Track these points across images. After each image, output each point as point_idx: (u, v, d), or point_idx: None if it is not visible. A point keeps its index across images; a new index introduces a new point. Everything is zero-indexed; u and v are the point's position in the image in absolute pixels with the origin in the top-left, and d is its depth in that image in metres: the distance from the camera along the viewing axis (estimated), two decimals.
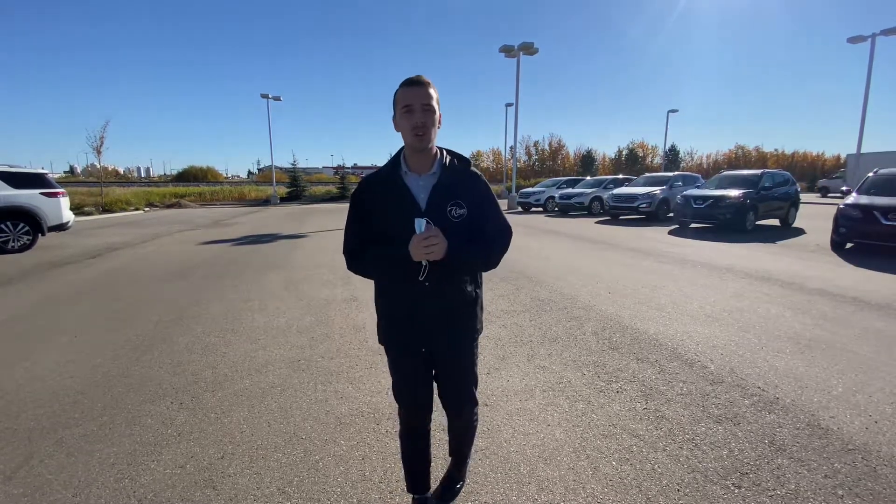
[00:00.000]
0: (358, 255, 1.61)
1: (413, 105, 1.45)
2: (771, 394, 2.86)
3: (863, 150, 23.17)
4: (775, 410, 2.66)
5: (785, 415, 2.61)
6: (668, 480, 2.06)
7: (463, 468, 2.05)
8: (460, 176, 1.58)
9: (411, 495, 1.87)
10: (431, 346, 1.66)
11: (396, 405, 1.78)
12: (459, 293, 1.62)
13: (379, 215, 1.58)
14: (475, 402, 1.80)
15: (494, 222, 1.62)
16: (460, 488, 2.01)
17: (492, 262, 1.63)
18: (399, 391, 1.74)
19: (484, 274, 1.78)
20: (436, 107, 1.49)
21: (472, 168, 1.64)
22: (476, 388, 1.78)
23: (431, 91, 1.47)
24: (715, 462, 2.19)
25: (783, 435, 2.40)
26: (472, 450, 2.16)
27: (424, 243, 1.42)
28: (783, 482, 2.04)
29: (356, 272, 1.65)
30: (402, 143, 1.60)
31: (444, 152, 1.62)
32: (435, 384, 1.77)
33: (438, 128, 1.54)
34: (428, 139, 1.49)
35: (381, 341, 1.72)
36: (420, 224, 1.45)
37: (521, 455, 2.28)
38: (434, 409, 1.79)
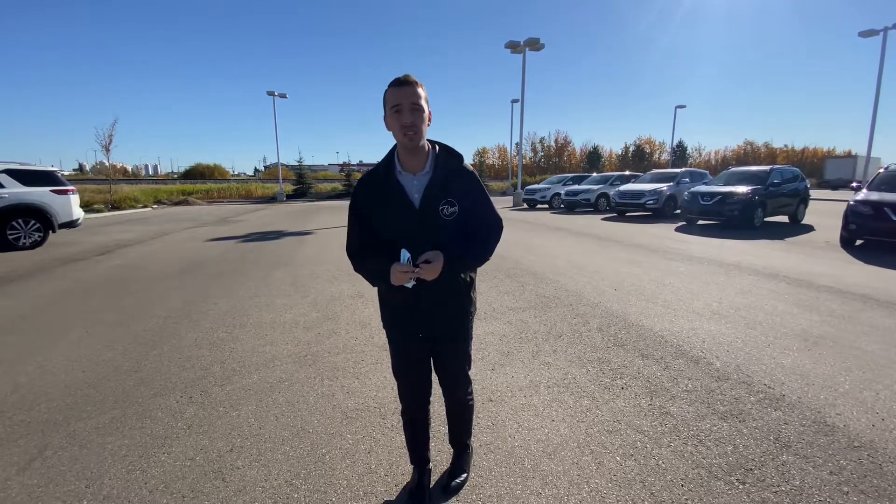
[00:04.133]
0: (359, 261, 1.70)
1: (402, 105, 1.48)
2: (777, 391, 2.85)
3: (873, 149, 22.87)
4: (781, 407, 2.65)
5: (791, 412, 2.60)
6: (672, 476, 2.07)
7: (465, 460, 2.09)
8: (453, 173, 1.62)
9: (412, 466, 2.02)
10: (428, 330, 1.75)
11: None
12: (454, 283, 1.70)
13: (376, 215, 1.65)
14: (468, 381, 1.94)
15: (487, 218, 1.70)
16: (464, 481, 2.03)
17: (486, 258, 1.70)
18: (399, 372, 1.87)
19: (488, 271, 1.89)
20: (424, 105, 1.52)
21: (465, 164, 1.67)
22: (469, 367, 1.92)
23: (420, 90, 1.50)
24: (719, 458, 2.19)
25: (789, 432, 2.40)
26: (474, 442, 2.20)
27: (412, 275, 1.51)
28: (788, 478, 2.04)
29: (358, 272, 1.72)
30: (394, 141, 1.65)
31: (437, 147, 1.65)
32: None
33: (428, 125, 1.57)
34: (418, 138, 1.53)
35: (383, 326, 1.84)
36: (404, 255, 1.53)
37: (526, 450, 2.29)
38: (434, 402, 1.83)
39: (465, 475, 2.06)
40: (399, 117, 1.49)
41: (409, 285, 1.58)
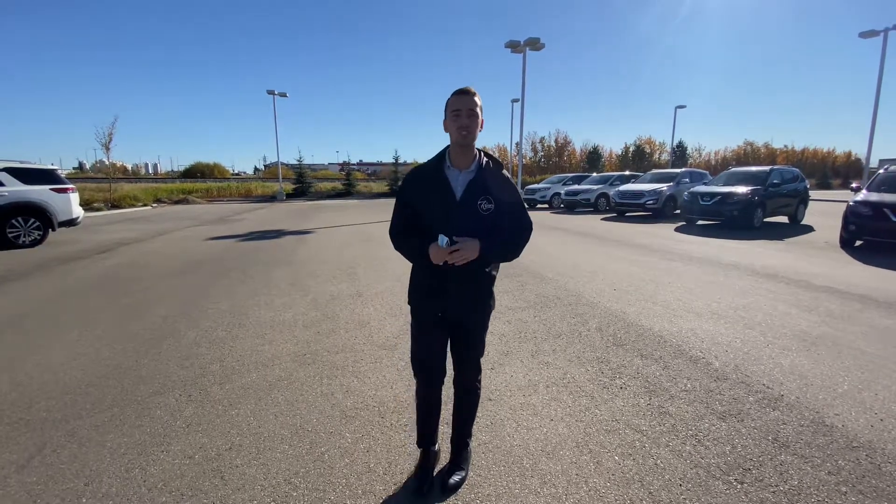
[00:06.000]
0: (401, 240, 1.89)
1: (461, 110, 1.73)
2: (775, 391, 2.85)
3: (874, 150, 22.87)
4: (780, 407, 2.65)
5: (789, 412, 2.60)
6: (670, 475, 2.07)
7: (464, 458, 2.11)
8: (493, 176, 1.84)
9: (420, 449, 2.14)
10: (447, 312, 1.91)
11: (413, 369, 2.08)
12: (478, 272, 1.87)
13: (420, 203, 1.85)
14: (479, 369, 2.08)
15: (521, 220, 1.89)
16: (462, 480, 2.04)
17: (515, 255, 1.90)
18: (416, 349, 2.03)
19: None
20: (479, 113, 1.77)
21: (504, 171, 1.89)
22: (482, 355, 2.06)
23: (476, 99, 1.76)
24: (718, 458, 2.19)
25: (787, 432, 2.40)
26: (472, 441, 2.21)
27: (450, 256, 1.71)
28: (786, 478, 2.04)
29: (397, 250, 1.93)
30: (438, 143, 1.92)
31: (483, 154, 1.89)
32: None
33: (480, 130, 1.81)
34: (471, 138, 1.77)
35: (409, 302, 2.01)
36: (442, 240, 1.71)
37: (524, 449, 2.29)
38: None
39: (463, 473, 2.07)
40: (457, 120, 1.74)
41: (440, 263, 1.76)
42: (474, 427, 2.25)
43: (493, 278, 1.95)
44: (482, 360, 2.10)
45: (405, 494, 1.99)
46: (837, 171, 62.04)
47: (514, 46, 22.19)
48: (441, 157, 1.87)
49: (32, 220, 9.30)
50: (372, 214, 17.26)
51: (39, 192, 9.41)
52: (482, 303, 1.93)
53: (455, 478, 2.03)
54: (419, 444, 2.12)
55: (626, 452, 2.25)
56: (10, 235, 9.02)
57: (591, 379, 3.06)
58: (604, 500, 1.93)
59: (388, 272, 6.45)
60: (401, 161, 36.45)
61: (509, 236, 1.85)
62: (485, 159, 1.87)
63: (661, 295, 5.11)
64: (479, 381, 2.11)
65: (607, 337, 3.83)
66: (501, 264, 2.05)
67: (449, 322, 1.93)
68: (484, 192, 1.79)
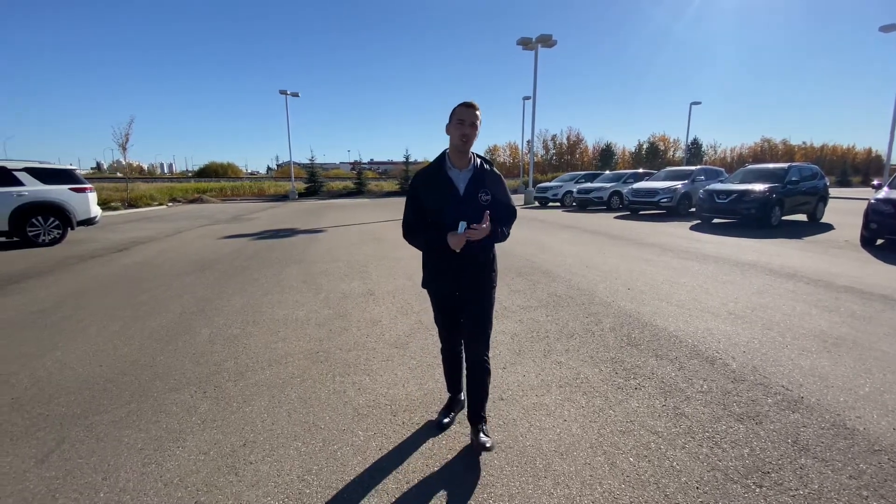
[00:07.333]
0: (413, 231, 2.22)
1: (465, 120, 2.07)
2: (795, 393, 2.79)
3: (895, 146, 22.24)
4: (799, 409, 2.60)
5: (809, 414, 2.55)
6: (686, 478, 2.04)
7: (482, 430, 2.25)
8: (487, 174, 2.21)
9: (449, 394, 2.65)
10: (461, 290, 2.24)
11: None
12: (482, 253, 2.22)
13: (427, 199, 2.16)
14: (487, 346, 2.29)
15: (507, 207, 2.26)
16: (487, 443, 2.16)
17: (508, 235, 2.29)
18: (438, 320, 2.42)
19: (499, 269, 2.37)
20: (478, 125, 2.11)
21: (495, 169, 2.26)
22: (489, 330, 2.29)
23: (479, 114, 2.10)
24: (736, 461, 2.15)
25: (807, 435, 2.35)
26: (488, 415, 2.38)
27: (470, 234, 2.02)
28: (806, 482, 1.99)
29: (409, 242, 2.26)
30: (441, 146, 2.25)
31: (476, 156, 2.23)
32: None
33: (475, 140, 2.14)
34: (469, 145, 2.12)
35: (423, 286, 2.34)
36: (462, 226, 2.03)
37: (537, 449, 2.28)
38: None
39: (488, 440, 2.19)
40: (462, 128, 2.06)
41: (458, 250, 2.07)
42: (488, 426, 2.24)
43: (493, 260, 2.30)
44: (491, 358, 2.26)
45: (416, 493, 1.99)
46: (858, 168, 60.64)
47: (525, 43, 22.08)
48: (441, 159, 2.20)
49: (52, 219, 9.51)
50: (383, 213, 17.31)
51: (58, 192, 9.61)
52: (486, 279, 2.25)
53: (480, 441, 2.17)
54: (448, 391, 2.63)
55: (642, 454, 2.22)
56: (30, 234, 9.24)
57: (605, 379, 3.03)
58: (618, 502, 1.91)
59: (399, 271, 6.46)
60: (412, 160, 36.45)
61: (505, 220, 2.24)
62: (478, 160, 2.21)
63: (676, 294, 5.04)
64: (488, 357, 2.29)
65: (621, 337, 3.78)
66: (511, 266, 2.09)
67: (460, 298, 2.25)
68: (482, 186, 2.15)
